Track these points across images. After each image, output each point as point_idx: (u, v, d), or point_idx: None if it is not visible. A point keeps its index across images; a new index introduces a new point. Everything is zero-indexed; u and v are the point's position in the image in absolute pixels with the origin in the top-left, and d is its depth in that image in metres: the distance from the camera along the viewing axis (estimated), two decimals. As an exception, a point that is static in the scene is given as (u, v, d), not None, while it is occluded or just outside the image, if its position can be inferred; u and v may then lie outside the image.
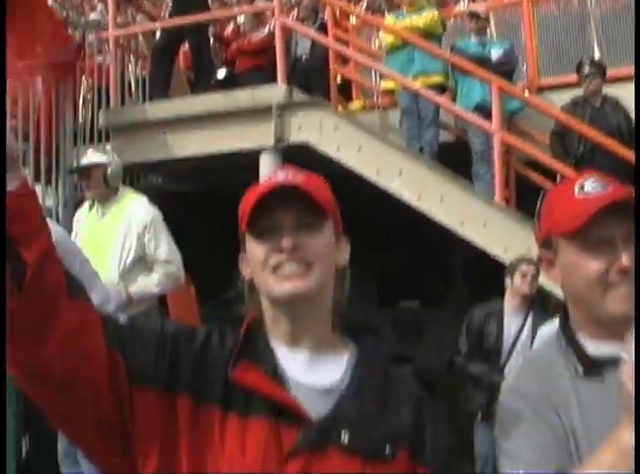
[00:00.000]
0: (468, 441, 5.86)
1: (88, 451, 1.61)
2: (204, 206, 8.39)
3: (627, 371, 1.57)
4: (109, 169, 5.41)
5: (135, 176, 8.86)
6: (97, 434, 1.52)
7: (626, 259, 1.73)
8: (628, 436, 1.51)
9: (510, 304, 5.84)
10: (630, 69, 7.07)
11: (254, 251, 1.61)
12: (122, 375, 1.51)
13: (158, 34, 8.76)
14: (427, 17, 7.48)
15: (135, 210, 5.28)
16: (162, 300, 6.10)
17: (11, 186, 1.43)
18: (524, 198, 7.01)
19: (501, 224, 6.60)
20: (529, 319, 5.79)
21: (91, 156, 5.64)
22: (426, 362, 8.82)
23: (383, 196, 6.92)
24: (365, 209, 8.86)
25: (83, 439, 1.58)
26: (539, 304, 5.82)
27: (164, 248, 5.30)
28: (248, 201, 1.61)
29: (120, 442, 1.53)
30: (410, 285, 9.99)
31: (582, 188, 1.77)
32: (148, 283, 5.27)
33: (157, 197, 8.88)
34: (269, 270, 1.58)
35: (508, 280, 5.83)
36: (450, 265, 9.96)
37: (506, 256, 6.28)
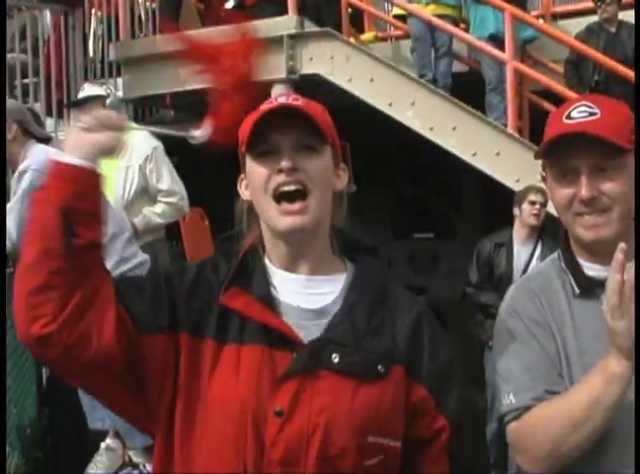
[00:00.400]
0: (479, 369, 5.94)
1: (105, 400, 1.66)
2: (217, 139, 8.37)
3: (608, 309, 1.61)
4: (107, 101, 5.41)
5: (149, 109, 8.86)
6: (110, 383, 1.57)
7: (585, 190, 1.74)
8: (615, 366, 1.62)
9: (518, 234, 5.88)
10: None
11: (254, 172, 1.65)
12: (130, 328, 1.56)
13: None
14: None
15: (136, 142, 5.28)
16: (177, 234, 6.15)
17: (85, 163, 1.53)
18: (538, 128, 6.95)
19: (513, 154, 6.55)
20: (539, 247, 5.84)
21: (88, 89, 5.65)
22: (439, 293, 8.87)
23: (395, 127, 6.88)
24: (377, 143, 8.85)
25: (98, 392, 1.64)
26: (549, 232, 5.82)
27: (166, 179, 5.34)
28: (248, 123, 1.64)
29: (133, 387, 1.58)
30: (423, 217, 10.01)
31: (569, 113, 1.78)
32: (151, 214, 5.31)
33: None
34: (269, 194, 1.61)
35: (516, 210, 5.86)
36: (463, 196, 9.95)
37: (518, 186, 6.25)
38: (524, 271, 5.75)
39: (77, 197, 1.51)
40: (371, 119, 7.05)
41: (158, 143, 5.38)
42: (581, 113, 1.76)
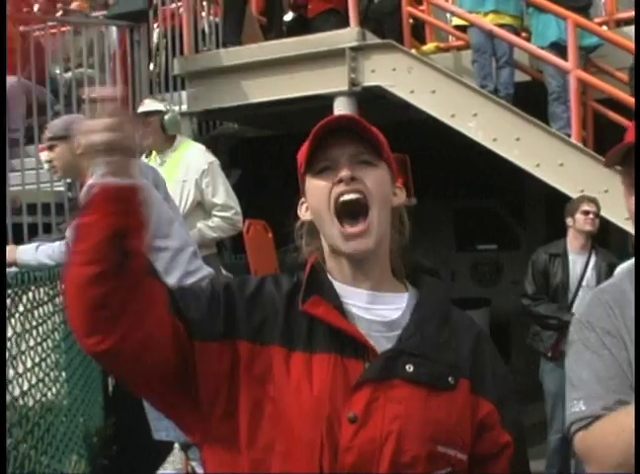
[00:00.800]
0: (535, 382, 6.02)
1: (161, 408, 1.69)
2: (279, 152, 8.44)
3: None
4: (166, 116, 5.49)
5: (211, 123, 8.96)
6: (165, 390, 1.60)
7: None
8: None
9: (573, 243, 5.92)
10: None
11: (314, 187, 1.68)
12: (184, 336, 1.58)
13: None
14: None
15: (193, 157, 5.35)
16: (241, 247, 6.20)
17: (128, 180, 1.52)
18: (602, 138, 6.88)
19: (578, 164, 6.49)
20: (593, 257, 5.89)
21: (148, 104, 5.72)
22: (502, 304, 8.81)
23: (458, 139, 6.86)
24: (440, 155, 8.82)
25: (152, 398, 1.68)
26: (601, 241, 5.92)
27: (221, 193, 5.39)
28: (306, 145, 1.68)
29: (186, 394, 1.60)
30: (486, 229, 9.95)
31: None
32: (206, 228, 5.37)
33: (232, 144, 9.02)
34: (331, 208, 1.64)
35: (569, 220, 5.91)
36: (526, 207, 9.87)
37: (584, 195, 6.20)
38: (580, 280, 5.85)
39: (125, 216, 1.51)
40: (434, 131, 7.04)
41: (214, 158, 5.47)
42: None
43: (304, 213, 1.75)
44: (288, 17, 8.72)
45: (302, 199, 1.75)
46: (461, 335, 1.70)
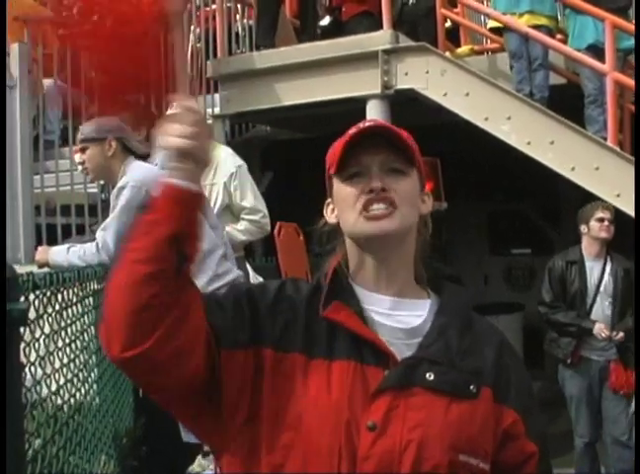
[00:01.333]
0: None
1: (183, 417, 1.67)
2: (313, 154, 8.43)
3: None
4: None
5: (244, 125, 8.98)
6: (190, 399, 1.58)
7: None
8: None
9: (588, 250, 5.96)
10: None
11: (343, 193, 1.66)
12: (212, 343, 1.57)
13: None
14: None
15: (221, 160, 5.34)
16: (273, 249, 6.19)
17: (196, 187, 1.53)
18: (640, 141, 6.78)
19: (614, 168, 6.39)
20: (609, 263, 5.92)
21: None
22: (536, 309, 8.72)
23: (492, 143, 6.80)
24: (473, 158, 8.76)
25: (176, 407, 1.63)
26: (616, 247, 5.94)
27: (250, 197, 5.37)
28: (337, 147, 1.66)
29: (210, 403, 1.59)
30: (521, 233, 9.86)
31: None
32: (234, 232, 5.35)
33: (266, 146, 9.02)
34: (357, 211, 1.63)
35: (583, 227, 5.95)
36: (562, 211, 9.77)
37: (619, 201, 6.13)
38: (598, 287, 5.88)
39: (188, 222, 1.51)
40: (467, 134, 6.99)
41: (242, 162, 5.45)
42: None
43: (330, 215, 1.73)
44: (325, 21, 8.70)
45: (328, 200, 1.73)
46: (484, 343, 1.67)
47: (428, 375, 1.57)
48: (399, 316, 1.66)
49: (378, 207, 1.61)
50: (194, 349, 1.52)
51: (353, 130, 1.65)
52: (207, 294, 1.68)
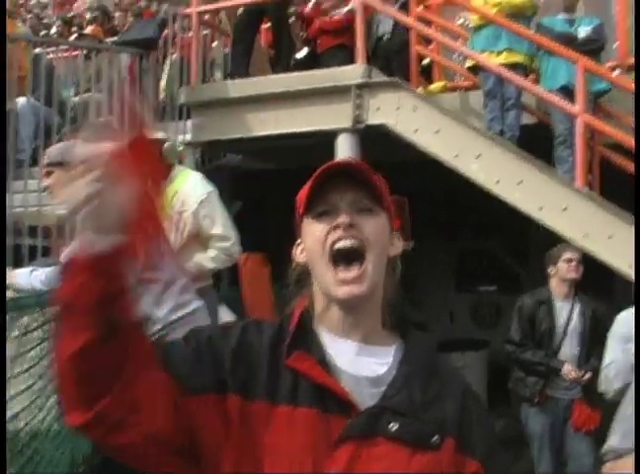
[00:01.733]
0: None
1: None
2: (281, 185, 8.43)
3: None
4: (164, 145, 5.45)
5: (215, 153, 8.96)
6: (163, 455, 1.54)
7: None
8: None
9: (557, 291, 6.01)
10: None
11: (311, 231, 1.65)
12: (176, 393, 1.53)
13: (240, 10, 8.77)
14: None
15: (191, 187, 5.29)
16: (236, 280, 6.16)
17: (110, 245, 1.43)
18: (609, 183, 6.84)
19: (581, 210, 6.44)
20: (578, 303, 5.97)
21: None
22: (502, 347, 8.74)
23: (462, 179, 6.82)
24: (443, 194, 8.80)
25: (154, 465, 1.59)
26: (583, 288, 6.01)
27: (219, 224, 5.31)
28: (306, 187, 1.65)
29: (188, 459, 1.55)
30: (488, 270, 9.90)
31: None
32: (203, 260, 5.29)
33: (236, 175, 9.00)
34: (326, 253, 1.61)
35: (551, 269, 6.01)
36: (530, 249, 9.82)
37: (586, 241, 6.16)
38: (566, 327, 5.93)
39: (107, 284, 1.43)
40: (437, 171, 7.00)
41: (212, 188, 5.39)
42: None
43: (299, 255, 1.71)
44: (302, 53, 8.73)
45: (299, 241, 1.72)
46: (447, 392, 1.65)
47: (391, 425, 1.55)
48: (364, 363, 1.63)
49: (345, 244, 1.60)
50: (153, 402, 1.49)
51: (321, 169, 1.64)
52: (168, 343, 1.64)
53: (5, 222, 4.27)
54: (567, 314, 5.93)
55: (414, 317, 1.80)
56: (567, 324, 5.91)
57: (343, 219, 1.61)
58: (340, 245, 1.61)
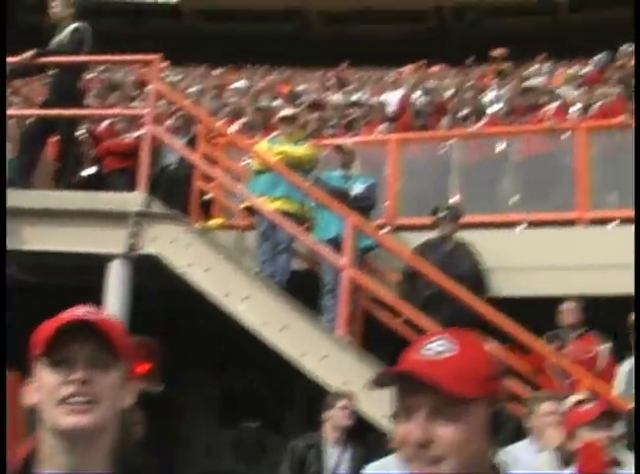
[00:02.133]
0: None
1: None
2: (47, 302, 8.13)
3: None
4: None
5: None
6: None
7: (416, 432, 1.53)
8: None
9: (330, 436, 6.08)
10: (485, 217, 7.53)
11: (46, 379, 1.63)
12: None
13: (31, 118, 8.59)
14: (306, 150, 7.63)
15: None
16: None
17: None
18: (373, 334, 7.05)
19: (341, 358, 6.61)
20: (348, 449, 6.05)
21: None
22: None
23: (230, 319, 6.85)
24: (211, 329, 8.78)
25: None
26: (357, 436, 6.08)
27: None
28: (45, 331, 1.64)
29: None
30: (252, 407, 9.89)
31: (425, 347, 1.59)
32: None
33: (9, 286, 8.61)
34: (56, 401, 1.61)
35: (325, 414, 6.07)
36: (294, 389, 9.90)
37: (345, 387, 6.28)
38: (334, 472, 5.98)
39: None
40: (208, 305, 7.00)
41: None
42: (429, 350, 1.57)
43: (31, 394, 1.68)
44: (91, 170, 8.64)
45: (32, 379, 1.68)
46: None
47: None
48: None
49: (77, 401, 1.61)
50: None
51: (64, 318, 1.64)
52: None
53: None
54: (336, 459, 6.01)
55: (150, 461, 1.79)
56: (335, 469, 5.97)
57: (76, 376, 1.61)
58: (71, 402, 1.60)
